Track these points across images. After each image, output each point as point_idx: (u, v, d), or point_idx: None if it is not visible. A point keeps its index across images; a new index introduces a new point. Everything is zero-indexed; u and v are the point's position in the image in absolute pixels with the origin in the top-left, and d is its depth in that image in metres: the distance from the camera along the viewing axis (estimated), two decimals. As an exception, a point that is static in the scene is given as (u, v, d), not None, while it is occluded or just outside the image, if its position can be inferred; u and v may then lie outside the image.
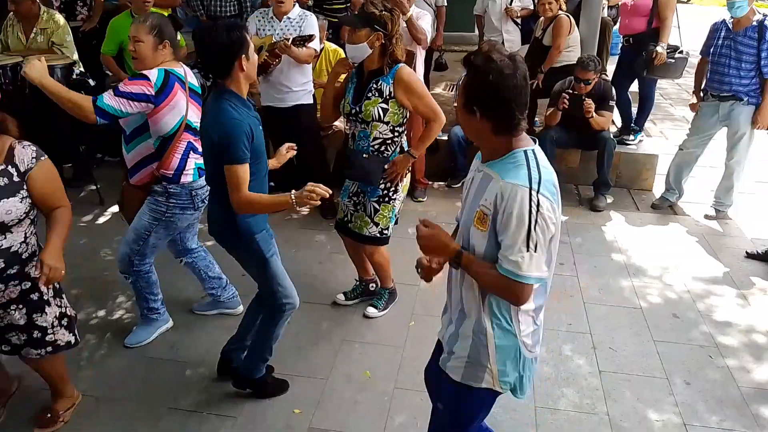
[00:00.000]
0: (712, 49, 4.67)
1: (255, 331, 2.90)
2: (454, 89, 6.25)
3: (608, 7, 7.15)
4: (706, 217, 5.00)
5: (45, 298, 2.47)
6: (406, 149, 3.25)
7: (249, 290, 3.00)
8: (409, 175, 3.37)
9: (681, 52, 5.46)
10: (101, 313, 3.62)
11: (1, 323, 2.42)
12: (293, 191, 2.40)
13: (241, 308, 3.52)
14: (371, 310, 3.61)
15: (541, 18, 5.71)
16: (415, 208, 4.93)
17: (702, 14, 13.26)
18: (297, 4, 4.37)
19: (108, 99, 2.70)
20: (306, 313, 3.47)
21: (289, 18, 4.28)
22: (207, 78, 4.55)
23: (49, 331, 2.50)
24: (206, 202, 3.02)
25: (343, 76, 3.28)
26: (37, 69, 2.63)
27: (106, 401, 2.93)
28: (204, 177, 2.98)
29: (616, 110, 5.43)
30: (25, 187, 2.28)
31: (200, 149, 2.96)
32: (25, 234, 2.35)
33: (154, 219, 3.02)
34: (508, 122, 1.76)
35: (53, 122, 4.79)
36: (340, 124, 5.29)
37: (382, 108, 3.08)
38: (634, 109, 5.97)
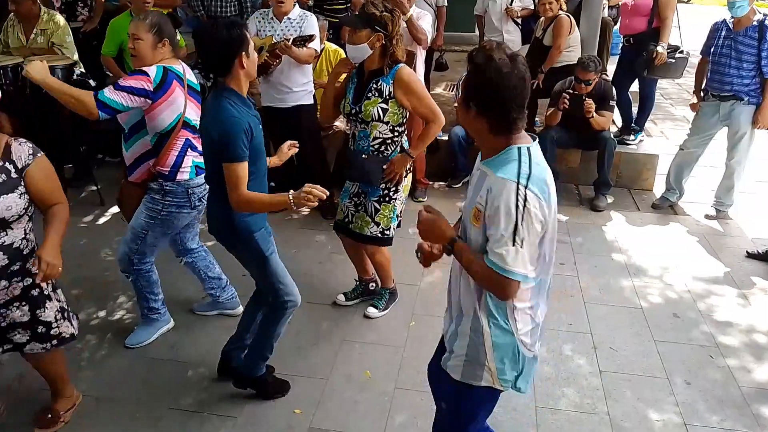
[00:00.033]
0: (712, 49, 4.66)
1: (255, 329, 2.90)
2: (455, 89, 6.25)
3: (608, 7, 7.15)
4: (707, 216, 5.00)
5: (45, 293, 2.48)
6: (406, 149, 3.25)
7: (249, 290, 3.00)
8: (410, 174, 3.37)
9: (681, 51, 5.45)
10: (102, 313, 3.62)
11: (2, 323, 2.41)
12: (291, 191, 2.41)
13: (240, 308, 3.51)
14: (372, 310, 3.61)
15: (542, 18, 5.71)
16: (416, 208, 4.88)
17: (702, 14, 13.26)
18: (297, 5, 4.38)
19: (109, 93, 2.72)
20: (306, 313, 3.47)
21: (289, 18, 4.29)
22: (208, 78, 4.57)
23: (54, 324, 2.51)
24: (203, 201, 3.02)
25: (343, 76, 3.28)
26: (38, 69, 2.67)
27: (107, 401, 2.93)
28: (201, 176, 2.99)
29: (616, 110, 5.43)
30: (22, 183, 2.28)
31: (199, 147, 2.96)
32: (25, 230, 2.36)
33: (151, 218, 3.02)
34: (504, 121, 1.77)
35: (53, 122, 4.79)
36: (340, 124, 5.29)
37: (381, 108, 3.08)
38: (635, 109, 5.96)
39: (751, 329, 3.58)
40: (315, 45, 4.24)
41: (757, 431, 2.83)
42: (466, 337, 1.95)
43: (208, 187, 2.95)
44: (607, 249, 4.49)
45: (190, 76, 2.99)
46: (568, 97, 4.88)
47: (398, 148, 3.23)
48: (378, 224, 3.31)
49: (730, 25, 4.56)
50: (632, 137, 5.74)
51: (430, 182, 5.38)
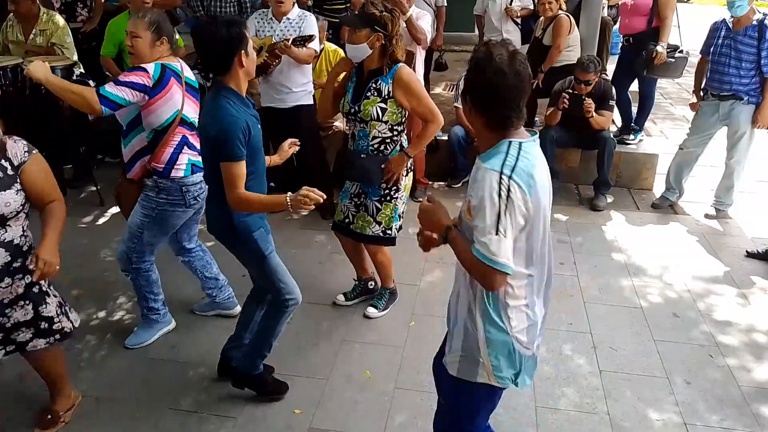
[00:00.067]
0: (712, 49, 4.66)
1: (255, 327, 2.90)
2: (454, 89, 6.25)
3: (608, 6, 7.15)
4: (707, 216, 5.00)
5: (44, 289, 2.49)
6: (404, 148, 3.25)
7: (248, 291, 3.00)
8: (411, 174, 3.37)
9: (681, 51, 5.45)
10: (101, 313, 3.62)
11: (7, 323, 2.41)
12: (289, 193, 2.41)
13: (237, 309, 3.51)
14: (371, 310, 3.61)
15: (541, 18, 5.71)
16: (415, 208, 4.89)
17: (702, 13, 13.26)
18: (296, 5, 4.38)
19: (110, 88, 2.74)
20: (306, 313, 3.47)
21: (288, 19, 4.28)
22: (207, 79, 4.57)
23: (56, 319, 2.52)
24: (199, 200, 3.01)
25: (342, 75, 3.28)
26: (40, 68, 2.69)
27: (107, 401, 2.93)
28: (198, 174, 2.98)
29: (616, 110, 5.43)
30: (18, 180, 2.28)
31: (196, 145, 2.96)
32: (23, 227, 2.36)
33: (146, 216, 3.02)
34: (501, 119, 1.80)
35: (53, 123, 4.80)
36: (340, 124, 5.29)
37: (380, 107, 3.08)
38: (634, 109, 5.96)
39: (751, 329, 3.58)
40: (314, 45, 4.24)
41: (757, 430, 2.83)
42: (462, 334, 1.97)
43: (204, 186, 2.96)
44: (607, 248, 4.49)
45: (188, 74, 2.99)
46: (567, 96, 4.88)
47: (398, 147, 3.23)
48: (380, 224, 3.31)
49: (730, 25, 4.56)
50: (632, 137, 5.74)
51: (430, 182, 5.38)
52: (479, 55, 1.78)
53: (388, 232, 3.35)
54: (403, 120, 3.19)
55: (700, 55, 4.86)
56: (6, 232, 2.29)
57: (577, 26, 5.67)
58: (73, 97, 2.73)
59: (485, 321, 1.90)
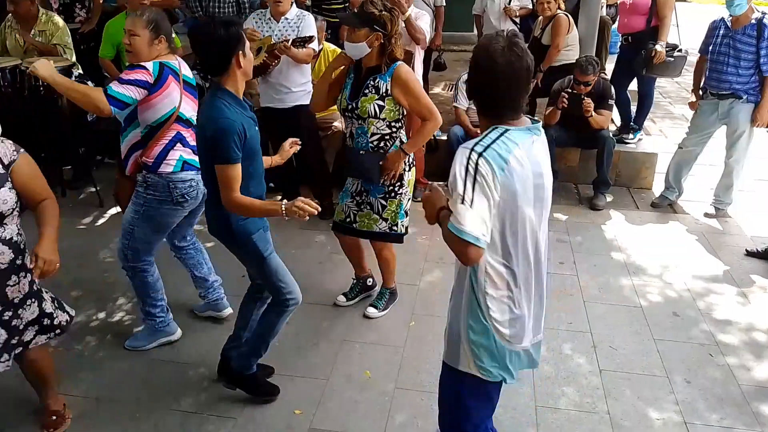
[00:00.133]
0: (710, 48, 4.67)
1: (253, 326, 2.90)
2: (453, 89, 6.25)
3: (607, 5, 7.15)
4: (706, 215, 5.00)
5: (39, 286, 2.49)
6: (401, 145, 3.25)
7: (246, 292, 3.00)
8: (413, 169, 3.37)
9: (680, 50, 5.46)
10: (101, 314, 3.62)
11: (20, 325, 2.40)
12: (285, 201, 2.43)
13: (228, 311, 3.50)
14: (371, 310, 3.61)
15: (540, 17, 5.71)
16: (415, 207, 4.90)
17: (701, 12, 13.27)
18: (294, 4, 4.38)
19: (117, 87, 2.73)
20: (306, 313, 3.47)
21: (286, 18, 4.28)
22: (206, 79, 4.56)
23: (55, 314, 2.52)
24: (187, 198, 2.98)
25: (340, 69, 3.27)
26: (46, 67, 2.67)
27: (107, 402, 2.93)
28: (188, 172, 2.96)
29: (615, 109, 5.43)
30: (9, 179, 2.27)
31: (191, 143, 2.95)
32: (17, 225, 2.36)
33: (135, 212, 3.00)
34: (493, 105, 1.89)
35: (53, 123, 4.80)
36: (339, 124, 5.29)
37: (378, 105, 3.09)
38: (634, 108, 5.97)
39: (751, 327, 3.58)
40: (313, 45, 4.24)
41: (757, 429, 2.83)
42: (450, 318, 2.03)
43: (195, 185, 2.95)
44: (607, 248, 4.49)
45: (186, 71, 2.98)
46: (566, 96, 4.88)
47: (398, 143, 3.23)
48: (386, 220, 3.31)
49: (729, 24, 4.56)
50: (631, 136, 5.74)
51: (430, 182, 5.37)
52: (479, 43, 1.90)
53: (395, 228, 3.35)
54: (401, 117, 3.19)
55: (699, 54, 4.86)
56: (5, 230, 2.29)
57: (576, 25, 5.67)
58: (79, 97, 2.72)
59: (469, 309, 1.95)
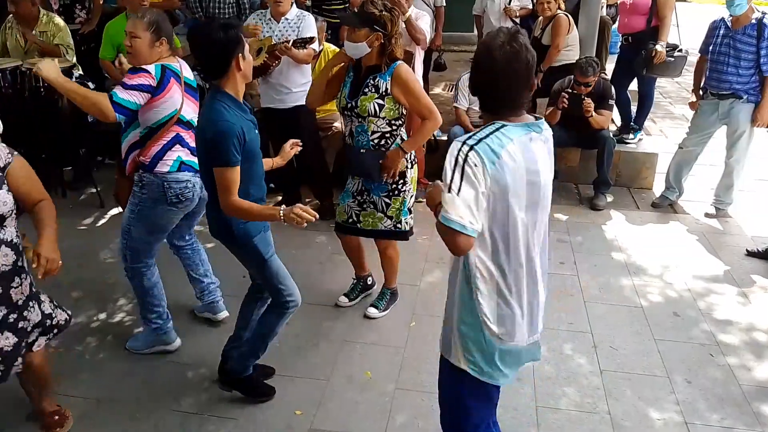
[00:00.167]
0: (711, 48, 4.67)
1: (254, 326, 2.90)
2: (453, 89, 6.25)
3: (607, 5, 7.15)
4: (707, 215, 5.00)
5: (36, 288, 2.49)
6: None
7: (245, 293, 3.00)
8: (416, 166, 3.36)
9: (680, 50, 5.46)
10: (102, 315, 3.62)
11: (27, 327, 2.39)
12: (283, 206, 2.42)
13: (223, 314, 3.49)
14: (372, 311, 3.61)
15: (540, 17, 5.71)
16: (415, 207, 4.93)
17: (701, 12, 13.26)
18: (294, 5, 4.38)
19: (122, 94, 2.72)
20: (306, 314, 3.47)
21: (287, 19, 4.28)
22: (206, 81, 4.56)
23: (54, 314, 2.52)
24: (182, 199, 2.96)
25: (339, 66, 3.27)
26: (50, 67, 2.65)
27: (107, 402, 2.93)
28: (185, 173, 2.95)
29: (615, 109, 5.43)
30: (5, 182, 2.27)
31: (191, 144, 2.94)
32: (15, 227, 2.36)
33: (131, 212, 3.00)
34: (490, 100, 1.91)
35: (53, 124, 4.80)
36: (339, 125, 5.29)
37: (377, 104, 3.09)
38: (634, 108, 5.97)
39: (752, 327, 3.58)
40: (314, 45, 4.24)
41: (758, 429, 2.83)
42: (446, 311, 2.06)
43: (192, 186, 2.95)
44: (607, 248, 4.49)
45: (187, 73, 2.98)
46: (567, 96, 4.88)
47: (398, 141, 3.23)
48: (390, 218, 3.32)
49: (729, 24, 4.56)
50: (631, 136, 5.74)
51: (430, 182, 5.37)
52: (482, 39, 1.94)
53: (399, 226, 3.35)
54: (402, 115, 3.19)
55: (699, 54, 4.86)
56: (5, 232, 2.29)
57: (576, 26, 5.67)
58: (84, 102, 2.69)
59: (461, 303, 1.96)
